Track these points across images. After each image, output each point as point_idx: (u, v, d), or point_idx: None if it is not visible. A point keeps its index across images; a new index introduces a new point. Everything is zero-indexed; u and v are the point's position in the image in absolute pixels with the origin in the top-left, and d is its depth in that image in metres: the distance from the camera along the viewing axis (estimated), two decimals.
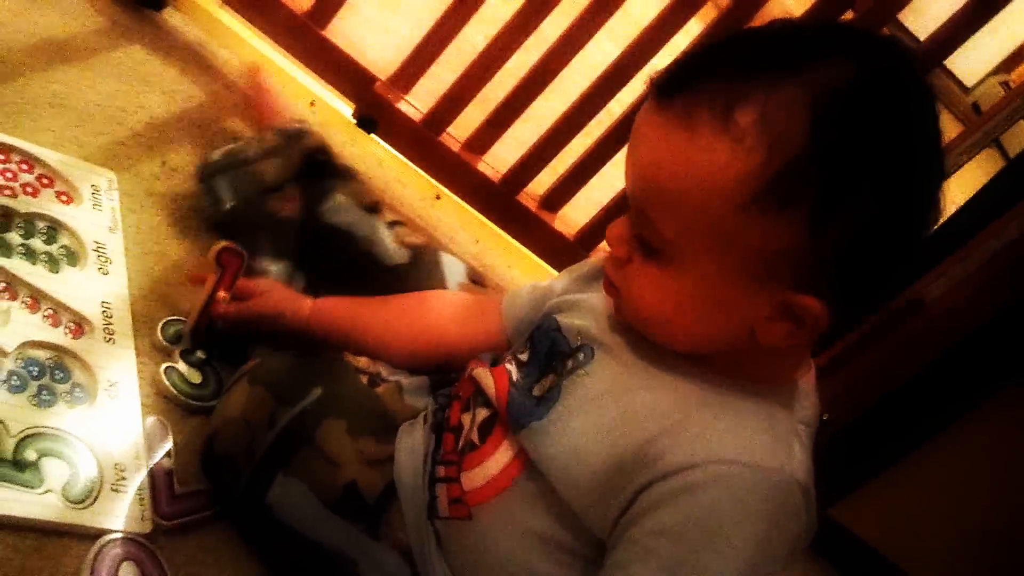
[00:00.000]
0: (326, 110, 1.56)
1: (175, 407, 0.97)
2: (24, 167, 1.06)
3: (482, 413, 0.88)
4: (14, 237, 0.98)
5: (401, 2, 1.96)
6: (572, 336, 0.85)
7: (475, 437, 0.87)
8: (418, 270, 1.15)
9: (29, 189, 1.04)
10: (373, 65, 1.54)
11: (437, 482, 0.88)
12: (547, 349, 0.87)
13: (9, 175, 1.03)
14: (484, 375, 0.90)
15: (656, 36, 1.45)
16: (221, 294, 1.02)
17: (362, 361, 1.01)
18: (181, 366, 1.00)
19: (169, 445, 0.92)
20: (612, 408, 0.79)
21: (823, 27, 0.81)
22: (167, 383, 0.98)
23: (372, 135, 1.57)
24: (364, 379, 0.98)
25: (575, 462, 0.78)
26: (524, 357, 0.89)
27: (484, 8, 1.47)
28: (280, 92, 1.39)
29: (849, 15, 1.40)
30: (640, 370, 0.80)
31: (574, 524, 0.79)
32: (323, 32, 1.48)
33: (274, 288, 1.07)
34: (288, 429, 0.88)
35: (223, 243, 1.04)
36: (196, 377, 1.00)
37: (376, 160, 1.57)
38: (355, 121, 1.56)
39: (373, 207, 1.21)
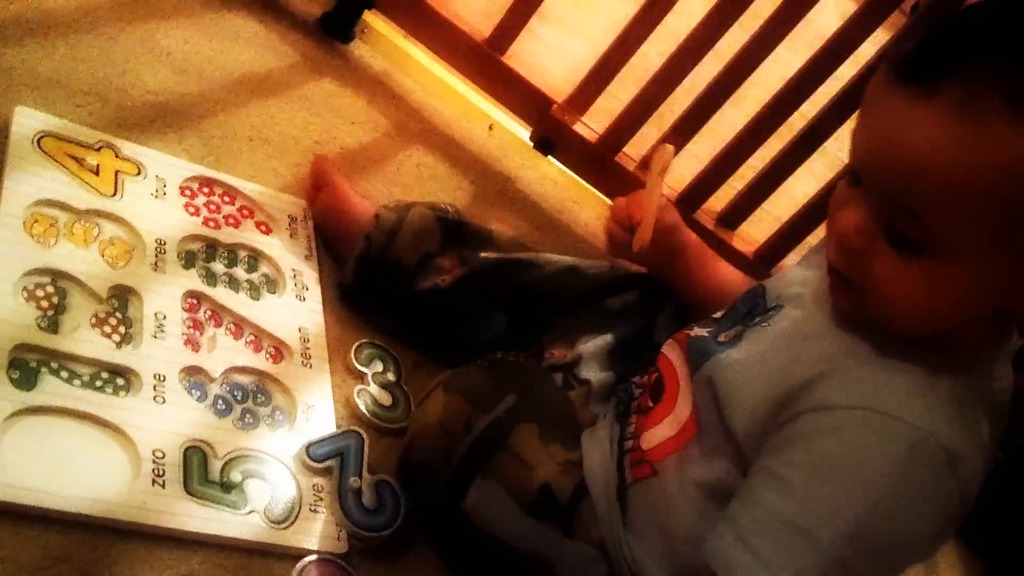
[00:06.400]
0: (504, 133, 1.59)
1: (366, 428, 1.00)
2: (226, 199, 1.12)
3: (652, 377, 0.94)
4: (218, 266, 1.04)
5: (578, 25, 1.98)
6: (772, 299, 0.89)
7: (648, 401, 0.93)
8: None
9: (231, 220, 1.10)
10: (550, 88, 1.55)
11: (624, 455, 0.91)
12: (747, 309, 0.91)
13: (213, 207, 1.09)
14: (668, 344, 0.95)
15: (841, 45, 1.40)
16: None
17: (559, 354, 1.03)
18: (373, 388, 1.04)
19: (362, 465, 0.95)
20: (784, 351, 0.81)
21: None
22: (360, 405, 1.01)
23: (549, 157, 1.58)
24: (559, 377, 1.01)
25: (745, 391, 0.81)
26: (717, 315, 0.95)
27: (659, 24, 1.46)
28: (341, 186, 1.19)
29: None
30: (817, 321, 0.81)
31: (745, 471, 0.80)
32: (502, 58, 1.51)
33: None
34: (484, 434, 0.91)
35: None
36: (387, 399, 1.04)
37: (552, 182, 1.59)
38: (532, 144, 1.58)
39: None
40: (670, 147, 1.01)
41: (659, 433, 0.90)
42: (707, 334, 0.92)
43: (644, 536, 0.88)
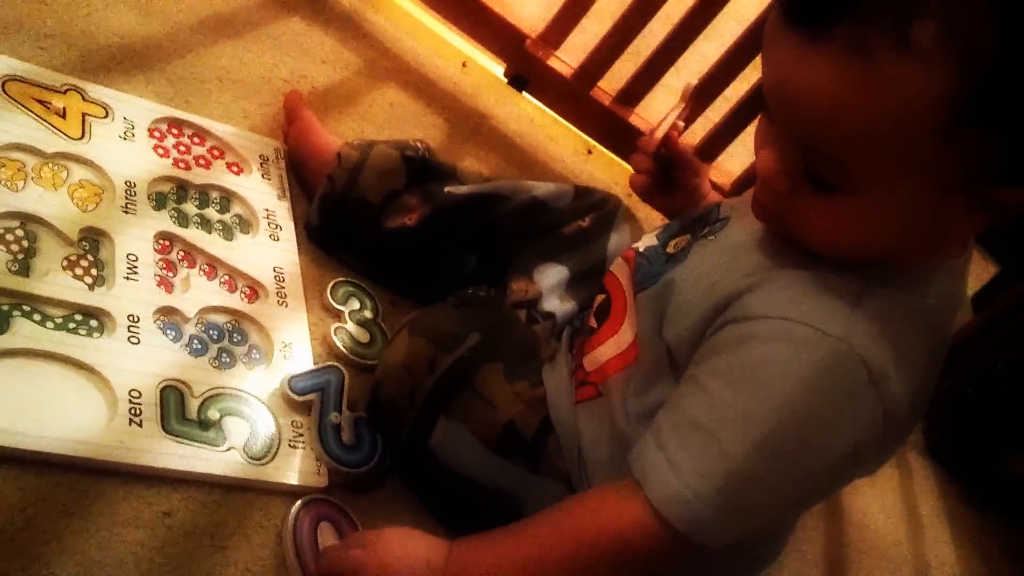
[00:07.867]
0: (478, 70, 1.57)
1: (345, 365, 1.00)
2: (196, 140, 1.11)
3: (598, 299, 0.94)
4: (190, 208, 1.03)
5: None
6: (724, 211, 0.88)
7: (592, 322, 0.93)
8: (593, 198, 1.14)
9: (202, 161, 1.09)
10: (523, 23, 1.54)
11: (572, 378, 0.92)
12: (697, 216, 0.91)
13: (183, 149, 1.08)
14: (617, 263, 0.94)
15: None
16: None
17: (519, 288, 1.03)
18: (350, 326, 1.04)
19: (342, 401, 0.96)
20: (722, 263, 0.81)
21: None
22: (337, 342, 1.01)
23: (524, 93, 1.57)
24: (523, 314, 1.01)
25: (686, 306, 0.81)
26: (667, 224, 0.95)
27: None
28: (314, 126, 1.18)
29: None
30: (754, 232, 0.81)
31: None
32: None
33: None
34: (448, 374, 0.91)
35: None
36: (364, 336, 1.04)
37: (528, 118, 1.58)
38: (507, 80, 1.57)
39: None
40: (693, 83, 1.07)
41: (603, 353, 0.90)
42: (656, 241, 0.91)
43: (598, 463, 0.88)
